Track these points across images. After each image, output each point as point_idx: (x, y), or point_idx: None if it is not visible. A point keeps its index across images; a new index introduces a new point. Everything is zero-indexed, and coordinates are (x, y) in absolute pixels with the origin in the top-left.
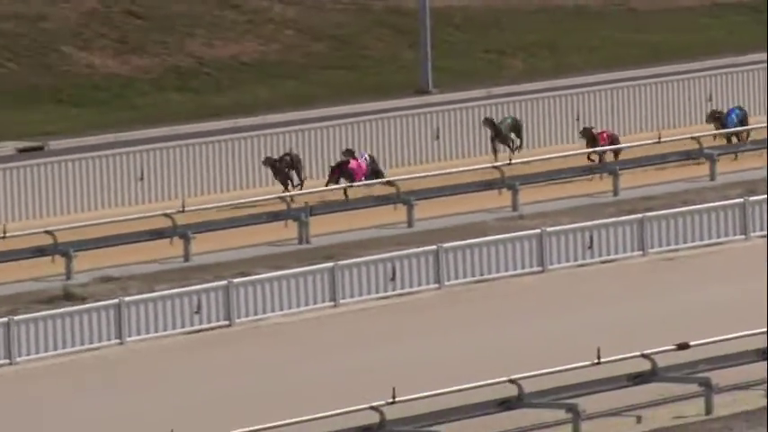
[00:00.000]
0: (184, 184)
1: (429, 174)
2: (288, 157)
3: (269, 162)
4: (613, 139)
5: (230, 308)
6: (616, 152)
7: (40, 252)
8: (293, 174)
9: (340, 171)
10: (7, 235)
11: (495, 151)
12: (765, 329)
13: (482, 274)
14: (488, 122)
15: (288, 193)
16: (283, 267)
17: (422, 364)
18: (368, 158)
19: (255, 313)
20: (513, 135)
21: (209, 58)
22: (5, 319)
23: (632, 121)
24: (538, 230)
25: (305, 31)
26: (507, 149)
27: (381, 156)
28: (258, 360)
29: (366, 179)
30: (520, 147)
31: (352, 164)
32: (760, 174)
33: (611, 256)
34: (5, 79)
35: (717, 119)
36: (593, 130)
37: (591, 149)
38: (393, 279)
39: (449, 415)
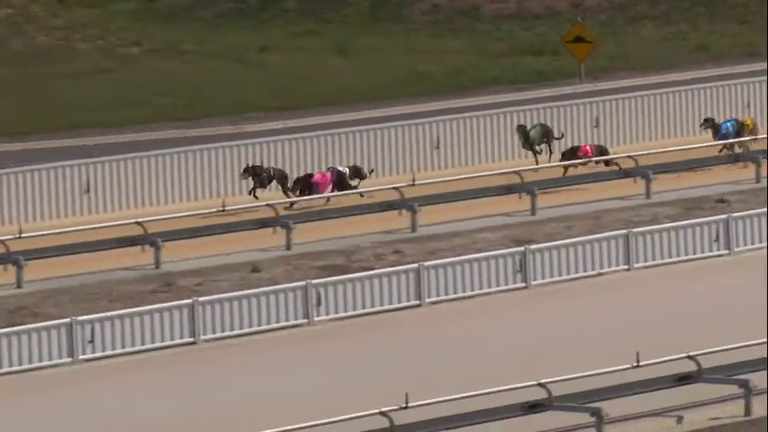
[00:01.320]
0: None
1: None
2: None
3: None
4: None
5: None
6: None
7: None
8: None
9: (306, 185)
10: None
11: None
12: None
13: None
14: (520, 129)
15: None
16: None
17: None
18: (333, 171)
19: None
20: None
21: None
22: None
23: None
24: None
25: None
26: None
27: None
28: None
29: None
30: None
31: (316, 177)
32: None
33: None
34: None
35: (712, 127)
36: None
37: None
38: None
39: None
